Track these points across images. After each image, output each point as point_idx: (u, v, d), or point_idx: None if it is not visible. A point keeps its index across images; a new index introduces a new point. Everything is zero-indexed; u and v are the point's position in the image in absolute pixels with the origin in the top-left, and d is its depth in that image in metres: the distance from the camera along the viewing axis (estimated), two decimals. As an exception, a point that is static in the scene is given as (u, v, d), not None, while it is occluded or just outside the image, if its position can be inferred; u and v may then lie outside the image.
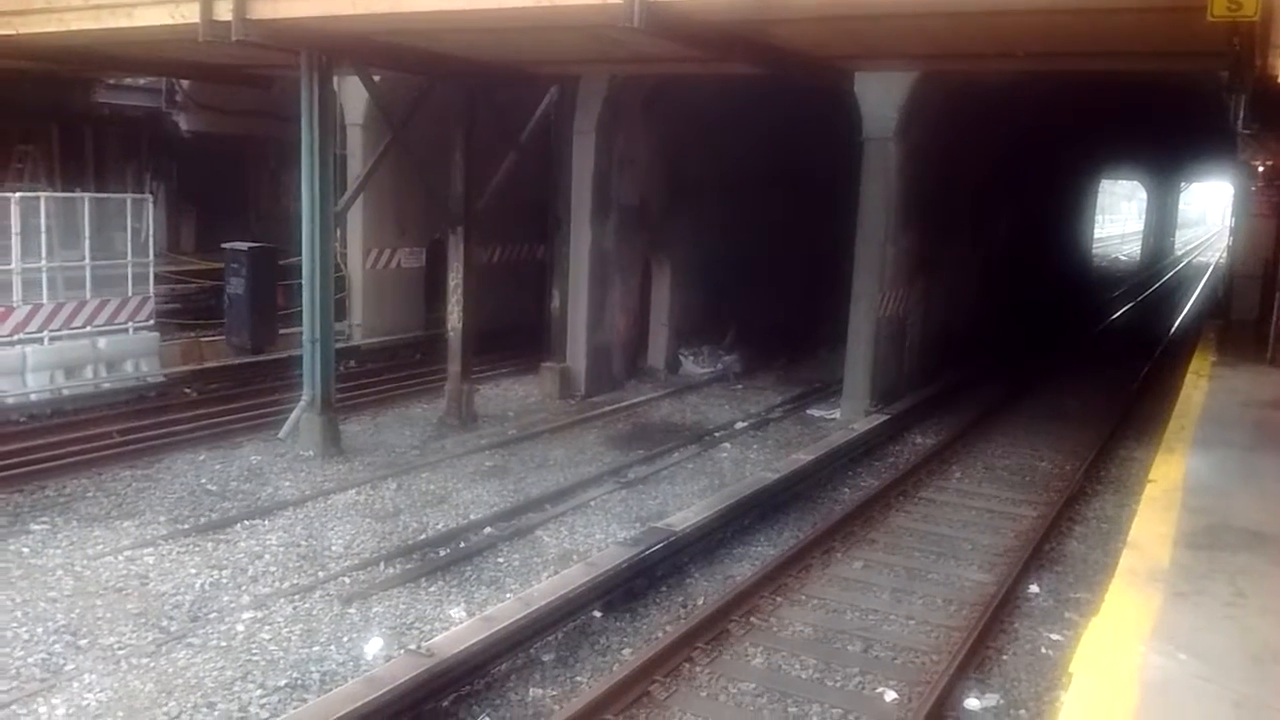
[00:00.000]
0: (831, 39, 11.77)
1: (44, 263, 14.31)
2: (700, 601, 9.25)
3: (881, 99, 14.99)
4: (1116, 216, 76.49)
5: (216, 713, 7.12)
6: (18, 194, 14.50)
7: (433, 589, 9.37)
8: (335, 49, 12.70)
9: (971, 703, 7.58)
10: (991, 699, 7.67)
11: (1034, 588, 9.78)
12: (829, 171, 18.17)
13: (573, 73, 16.12)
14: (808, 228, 20.53)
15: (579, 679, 7.84)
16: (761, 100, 17.31)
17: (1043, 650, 8.52)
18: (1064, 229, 34.55)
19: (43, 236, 14.30)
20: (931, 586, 9.81)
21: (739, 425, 15.95)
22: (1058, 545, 10.98)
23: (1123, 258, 55.52)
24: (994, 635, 8.67)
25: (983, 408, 16.89)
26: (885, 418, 15.20)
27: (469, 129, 14.76)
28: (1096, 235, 48.42)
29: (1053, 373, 20.57)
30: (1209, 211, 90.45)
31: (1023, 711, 7.52)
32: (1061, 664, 7.73)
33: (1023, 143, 22.04)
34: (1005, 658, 8.38)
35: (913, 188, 15.88)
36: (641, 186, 18.10)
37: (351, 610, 8.83)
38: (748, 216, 20.01)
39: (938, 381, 17.89)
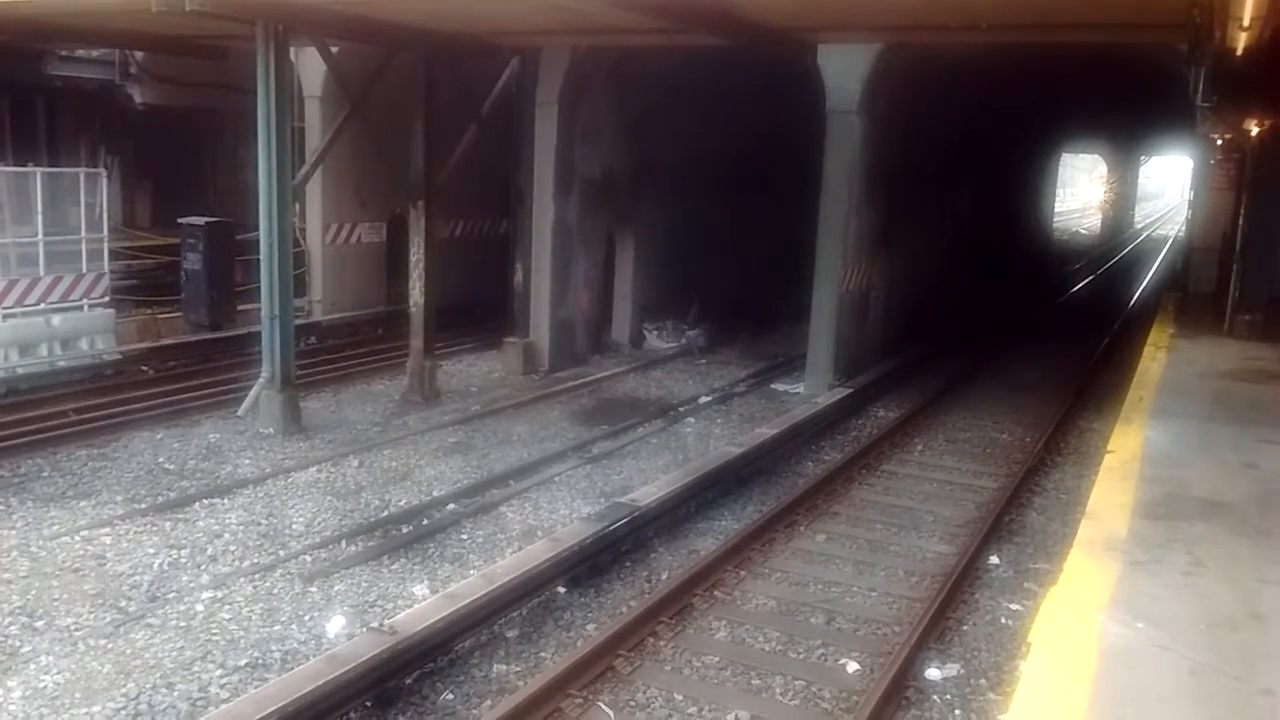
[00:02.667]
0: (794, 9, 11.72)
1: (-6, 238, 14.04)
2: (664, 576, 9.26)
3: (844, 72, 14.95)
4: (1077, 190, 77.14)
5: (176, 693, 7.04)
6: (-33, 168, 14.19)
7: (395, 566, 9.32)
8: (291, 19, 12.47)
9: (932, 673, 7.64)
10: (952, 669, 7.73)
11: (994, 559, 9.87)
12: (794, 145, 18.13)
13: (534, 44, 15.96)
14: (772, 202, 20.53)
15: (543, 655, 7.82)
16: (726, 73, 17.23)
17: (1002, 620, 8.60)
18: (1026, 202, 34.78)
19: (-7, 211, 14.02)
20: (893, 558, 9.87)
21: (703, 400, 15.95)
22: (1018, 516, 11.08)
23: (1083, 231, 56.02)
24: (955, 606, 8.75)
25: (945, 381, 17.01)
26: (848, 391, 15.26)
27: (429, 101, 14.58)
28: (1057, 209, 48.78)
29: (1014, 346, 20.76)
30: (1168, 185, 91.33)
31: (983, 681, 7.59)
32: (1021, 634, 7.80)
33: (985, 116, 22.12)
34: (966, 628, 8.46)
35: (876, 161, 15.87)
36: (605, 160, 17.98)
37: (313, 589, 8.75)
38: (712, 190, 19.95)
39: (901, 355, 17.97)
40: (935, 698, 7.34)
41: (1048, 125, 30.41)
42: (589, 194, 17.69)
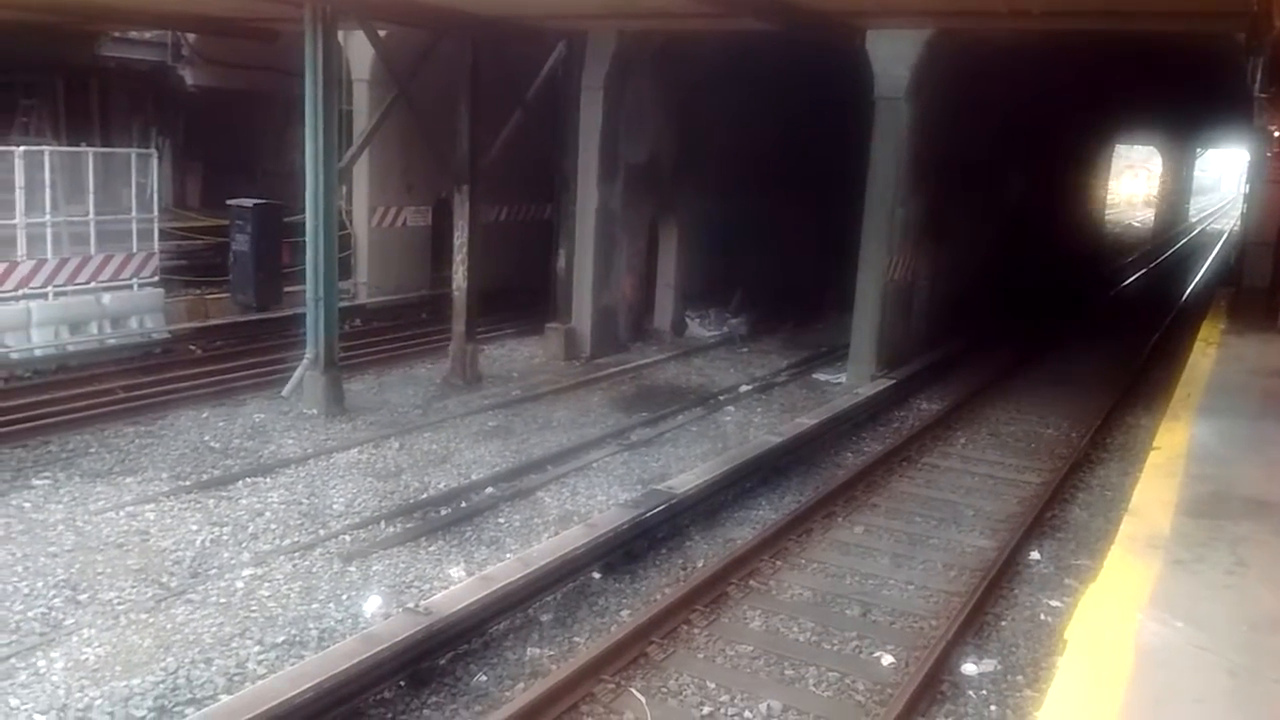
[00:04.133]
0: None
1: (48, 217, 14.28)
2: (700, 564, 9.25)
3: (893, 58, 14.77)
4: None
5: (214, 668, 7.14)
6: (22, 148, 14.43)
7: (432, 548, 9.38)
8: (339, 1, 12.54)
9: (969, 668, 7.57)
10: (989, 664, 7.66)
11: (1035, 554, 9.75)
12: (840, 133, 17.96)
13: (581, 28, 15.94)
14: (817, 190, 20.35)
15: (576, 639, 7.84)
16: (772, 60, 17.10)
17: (1042, 617, 8.50)
18: (1076, 194, 34.23)
19: (47, 191, 14.25)
20: (932, 552, 9.78)
21: (743, 388, 15.89)
22: (1060, 512, 10.94)
23: (1136, 224, 55.08)
24: (993, 601, 8.65)
25: (990, 374, 16.80)
26: (891, 383, 15.13)
27: (475, 85, 14.60)
28: (1109, 201, 48.00)
29: (1062, 339, 20.47)
30: (1225, 178, 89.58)
31: (1020, 677, 7.51)
32: (1060, 631, 7.70)
33: (1036, 105, 21.76)
34: (1004, 624, 8.37)
35: (923, 150, 15.68)
36: (649, 145, 17.92)
37: (351, 568, 8.84)
38: (757, 178, 19.83)
39: (945, 347, 17.78)
40: (971, 693, 7.28)
41: (1100, 115, 29.87)
42: (633, 180, 17.65)
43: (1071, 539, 10.23)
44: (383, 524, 9.85)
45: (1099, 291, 28.43)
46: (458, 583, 8.23)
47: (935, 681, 7.26)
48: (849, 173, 16.48)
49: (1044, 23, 12.11)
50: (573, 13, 14.06)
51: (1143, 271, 34.53)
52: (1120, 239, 45.20)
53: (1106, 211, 45.36)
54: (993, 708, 7.11)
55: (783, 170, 20.19)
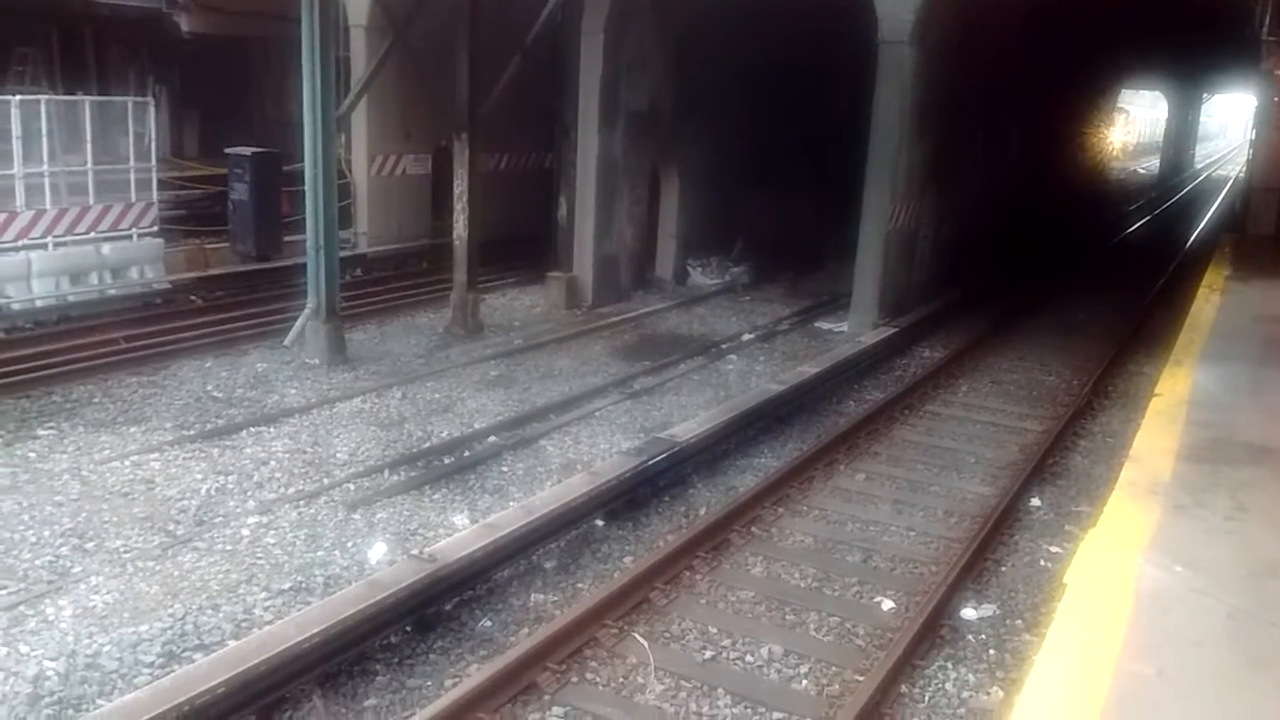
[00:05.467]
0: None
1: (46, 167, 14.18)
2: (702, 511, 9.30)
3: (898, 2, 14.59)
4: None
5: (221, 614, 7.21)
6: (18, 97, 14.30)
7: (436, 496, 9.43)
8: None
9: (968, 613, 7.64)
10: (988, 609, 7.73)
11: (1035, 501, 9.80)
12: (844, 79, 17.78)
13: (581, -28, 15.72)
14: (820, 137, 20.19)
15: (580, 585, 7.91)
16: (775, 4, 16.88)
17: (1041, 562, 8.56)
18: (1081, 139, 33.97)
19: (44, 140, 14.14)
20: (933, 499, 9.83)
21: (746, 337, 15.88)
22: (1061, 459, 10.98)
23: (1141, 171, 54.71)
24: (993, 547, 8.71)
25: (993, 322, 16.78)
26: (893, 331, 15.12)
27: (474, 31, 14.42)
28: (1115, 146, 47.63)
29: (1066, 287, 20.42)
30: (1230, 125, 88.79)
31: (1019, 621, 7.58)
32: (1059, 576, 7.76)
33: (1041, 50, 21.51)
34: (1004, 569, 8.43)
35: (927, 95, 15.53)
36: (651, 92, 17.76)
37: (356, 516, 8.89)
38: (759, 125, 19.66)
39: (948, 295, 17.74)
40: (970, 637, 7.35)
41: (1105, 60, 29.56)
42: (634, 127, 17.50)
43: (1072, 486, 10.28)
44: (386, 472, 9.90)
45: (1103, 238, 28.30)
46: (462, 530, 8.29)
47: (935, 626, 7.33)
48: (852, 119, 16.34)
49: (1051, -35, 11.95)
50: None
51: (1147, 218, 34.34)
52: (1125, 185, 44.93)
53: (1111, 157, 45.05)
54: (991, 651, 7.18)
55: (785, 117, 20.01)
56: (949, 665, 6.99)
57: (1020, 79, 20.99)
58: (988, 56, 18.14)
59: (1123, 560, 4.95)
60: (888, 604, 7.73)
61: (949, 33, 15.56)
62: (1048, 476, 10.46)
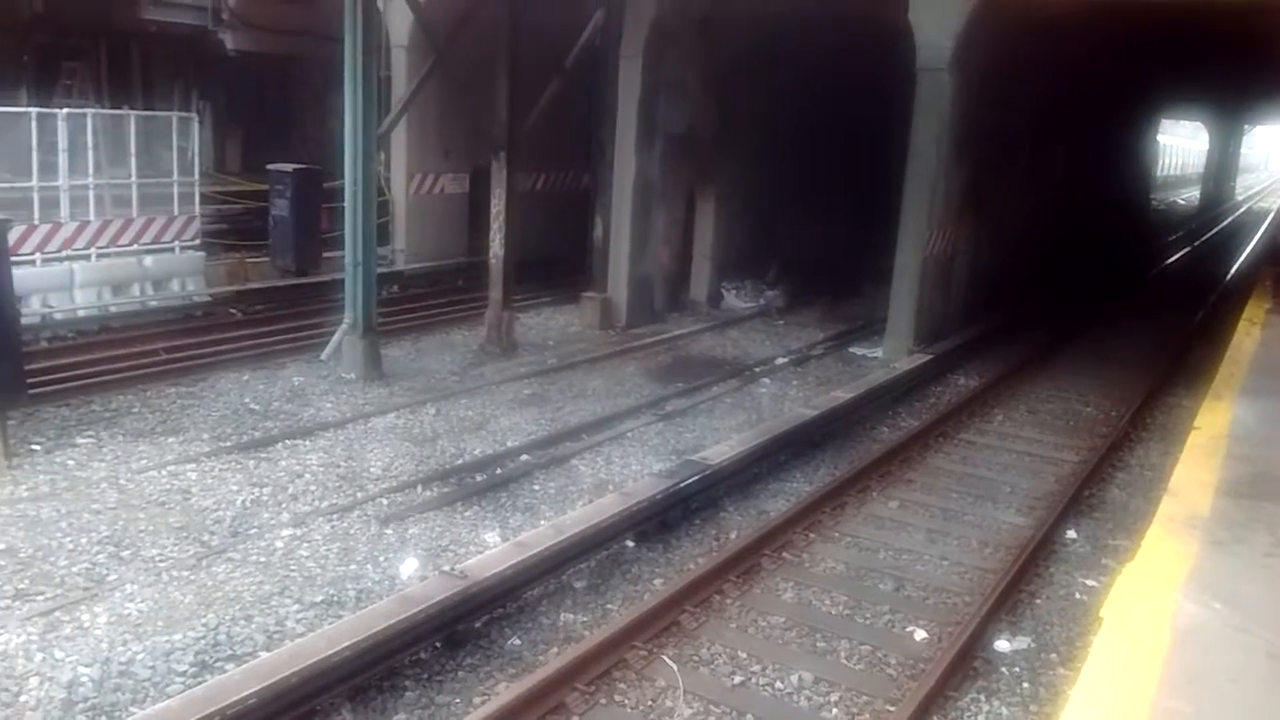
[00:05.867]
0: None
1: (91, 179, 14.42)
2: (733, 535, 9.27)
3: (937, 28, 14.58)
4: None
5: (254, 625, 7.26)
6: (65, 110, 14.57)
7: (468, 513, 9.46)
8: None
9: (1002, 644, 7.56)
10: (1022, 642, 7.63)
11: (1072, 533, 9.69)
12: (880, 104, 17.80)
13: (621, -5, 15.83)
14: (857, 162, 20.18)
15: (610, 606, 7.90)
16: (813, 29, 16.93)
17: (1077, 596, 8.46)
18: (1121, 169, 33.73)
19: (90, 153, 14.38)
20: (967, 528, 9.75)
21: (779, 361, 15.85)
22: (1098, 491, 10.85)
23: (1181, 201, 54.23)
24: (1028, 579, 8.61)
25: (1030, 350, 16.65)
26: (928, 357, 15.03)
27: (513, 52, 14.55)
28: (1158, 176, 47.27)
29: (1105, 316, 20.23)
30: (1272, 157, 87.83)
31: (1053, 655, 7.48)
32: (1096, 610, 7.67)
33: (1082, 78, 21.42)
34: (1039, 602, 8.33)
35: (966, 122, 15.49)
36: (688, 115, 17.82)
37: (388, 531, 8.94)
38: (795, 149, 19.69)
39: (985, 322, 17.61)
40: (1004, 669, 7.26)
41: (1146, 89, 29.37)
42: (671, 149, 17.57)
43: (1109, 518, 10.15)
44: (419, 488, 9.94)
45: (1143, 268, 28.05)
46: (493, 548, 8.30)
47: (968, 657, 7.25)
48: (889, 145, 16.32)
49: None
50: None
51: (1187, 249, 34.02)
52: (1165, 215, 44.54)
53: (1151, 187, 44.69)
54: (1025, 685, 7.10)
55: (821, 142, 20.03)
56: (982, 698, 6.91)
57: (1060, 107, 20.91)
58: (1028, 84, 18.09)
59: (1160, 595, 4.89)
60: (920, 634, 7.66)
61: (989, 60, 15.52)
62: (1084, 508, 10.34)
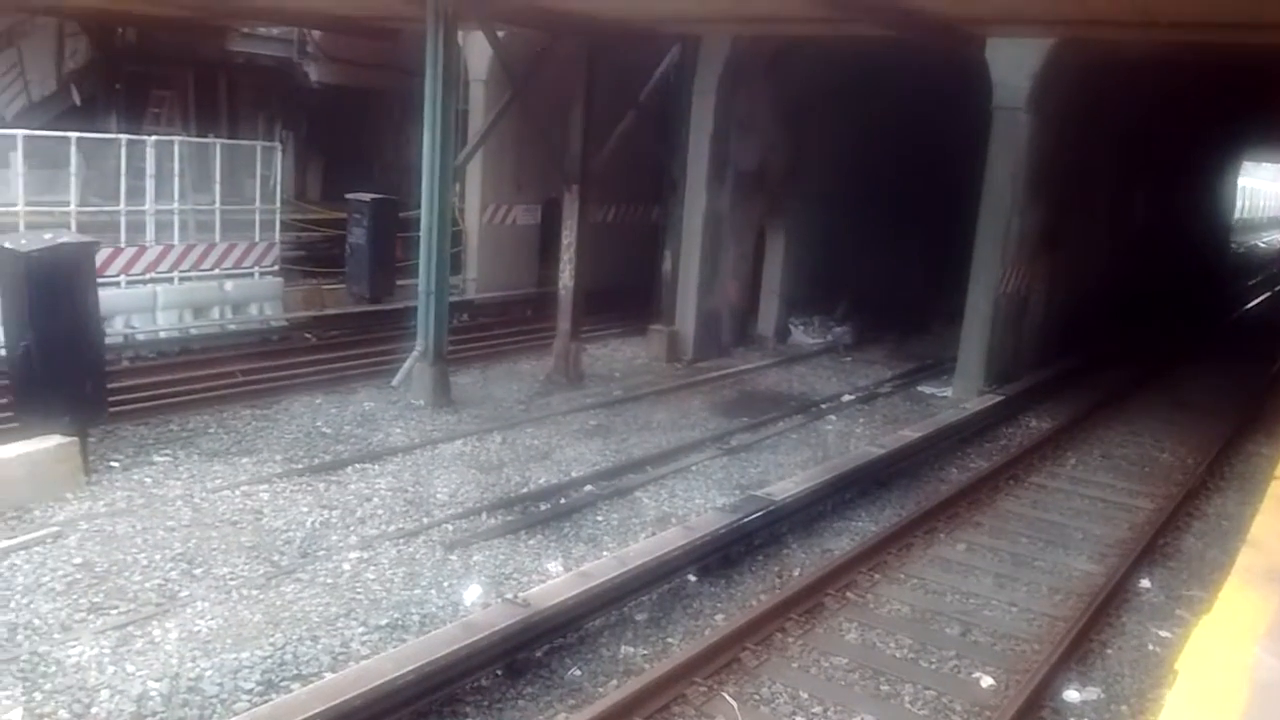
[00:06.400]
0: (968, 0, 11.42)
1: (176, 205, 14.85)
2: (796, 573, 9.19)
3: (1013, 67, 14.47)
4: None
5: (320, 646, 7.35)
6: (154, 137, 15.05)
7: (532, 542, 9.51)
8: (462, 2, 12.79)
9: (1071, 694, 7.38)
10: (1092, 692, 7.45)
11: (1145, 582, 9.45)
12: (953, 142, 17.67)
13: (695, 32, 15.97)
14: (928, 199, 20.05)
15: (670, 640, 7.87)
16: (885, 67, 16.91)
17: (1150, 647, 8.24)
18: (1200, 211, 33.06)
19: (176, 180, 14.83)
20: (1037, 574, 9.55)
21: (846, 398, 15.73)
22: (1173, 540, 10.57)
23: (1262, 244, 52.96)
24: (1099, 628, 8.41)
25: (1104, 393, 16.31)
26: (999, 398, 14.80)
27: (589, 87, 14.75)
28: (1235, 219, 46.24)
29: (1182, 360, 19.78)
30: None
31: (1124, 707, 7.29)
32: (1169, 662, 7.45)
33: (1160, 119, 21.09)
34: (1110, 651, 8.13)
35: (1042, 161, 15.32)
36: (760, 151, 17.87)
37: (453, 557, 9.01)
38: (866, 186, 19.63)
39: (1058, 364, 17.33)
40: (1072, 720, 7.10)
41: (1227, 130, 28.79)
42: (742, 185, 17.62)
43: (1184, 568, 9.89)
44: (484, 515, 10.02)
45: (1222, 312, 27.40)
46: (555, 577, 8.32)
47: (1036, 706, 7.10)
48: (961, 183, 16.20)
49: (1171, 33, 11.71)
50: (689, 17, 14.12)
51: (1267, 294, 33.16)
52: (1244, 258, 43.53)
53: (1231, 229, 43.73)
54: (1095, 737, 6.93)
55: (892, 178, 19.95)
56: (1049, 748, 6.76)
57: (1139, 147, 20.59)
58: (1106, 124, 17.86)
59: (1238, 648, 4.74)
60: (987, 680, 7.51)
61: (1066, 99, 15.37)
62: (1158, 557, 10.08)
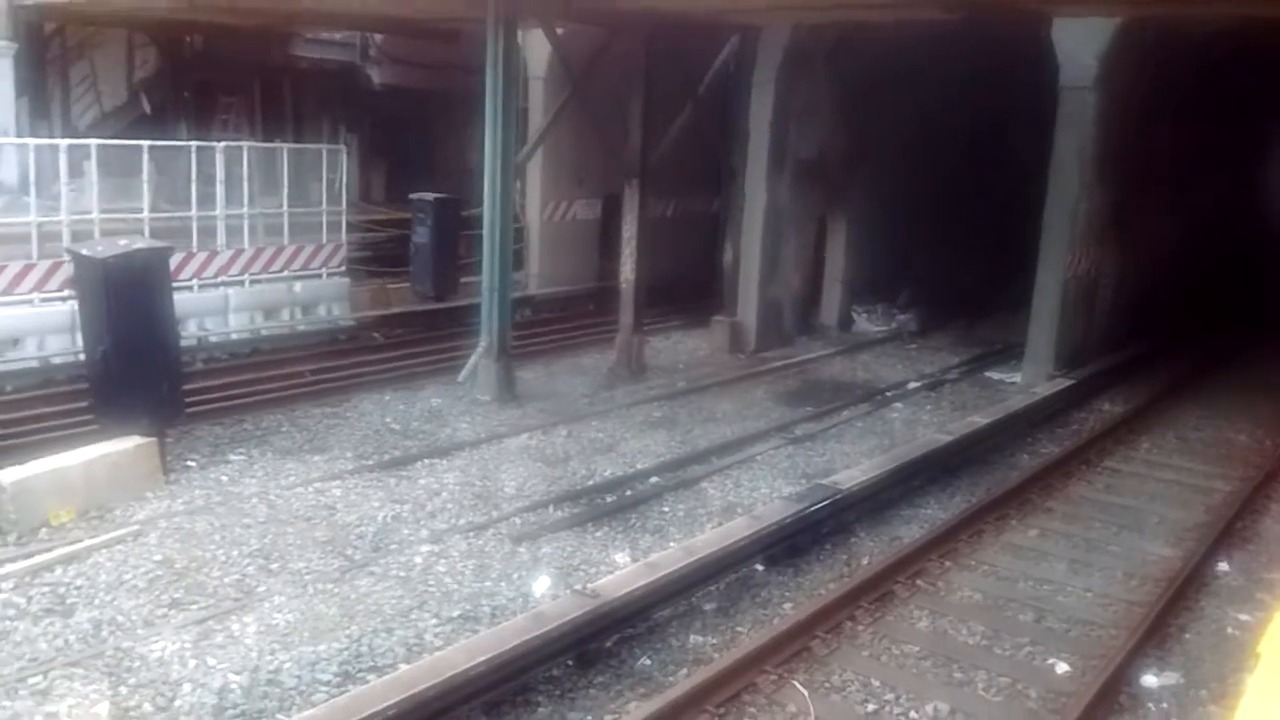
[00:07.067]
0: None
1: (245, 209, 15.14)
2: (865, 561, 9.14)
3: (1081, 46, 14.20)
4: None
5: (394, 638, 7.48)
6: (223, 143, 15.36)
7: (599, 533, 9.57)
8: (522, 2, 12.88)
9: (1149, 680, 7.25)
10: (1171, 677, 7.32)
11: (1223, 565, 9.25)
12: (1013, 125, 17.42)
13: (756, 23, 15.89)
14: (993, 183, 19.75)
15: (739, 629, 7.88)
16: (947, 52, 16.67)
17: (1229, 630, 8.07)
18: (1275, 190, 32.08)
19: (244, 185, 15.12)
20: (1112, 559, 9.40)
21: (912, 385, 15.59)
22: (1252, 523, 10.33)
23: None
24: (1177, 612, 8.25)
25: (1178, 376, 15.98)
26: (1070, 383, 14.56)
27: (648, 81, 14.76)
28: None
29: (1259, 343, 19.26)
30: None
31: (1203, 691, 7.15)
32: (1249, 645, 7.30)
33: (1235, 97, 20.52)
34: (1188, 636, 7.98)
35: (1110, 141, 15.02)
36: (820, 139, 17.75)
37: (521, 549, 9.10)
38: (929, 171, 19.38)
39: (1130, 347, 16.99)
40: (1150, 705, 6.98)
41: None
42: (802, 174, 17.51)
43: (1263, 551, 9.66)
44: (551, 508, 10.11)
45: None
46: (623, 568, 8.37)
47: (1113, 692, 6.99)
48: (1023, 165, 15.95)
49: (1247, 8, 11.41)
50: (749, 7, 14.04)
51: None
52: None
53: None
54: (1174, 722, 6.81)
55: (954, 163, 19.67)
56: (1127, 735, 6.65)
57: (1213, 126, 20.06)
58: (1177, 103, 17.43)
59: (1323, 632, 4.65)
60: (1062, 666, 7.41)
61: (1136, 77, 15.04)
62: (1237, 540, 9.86)
